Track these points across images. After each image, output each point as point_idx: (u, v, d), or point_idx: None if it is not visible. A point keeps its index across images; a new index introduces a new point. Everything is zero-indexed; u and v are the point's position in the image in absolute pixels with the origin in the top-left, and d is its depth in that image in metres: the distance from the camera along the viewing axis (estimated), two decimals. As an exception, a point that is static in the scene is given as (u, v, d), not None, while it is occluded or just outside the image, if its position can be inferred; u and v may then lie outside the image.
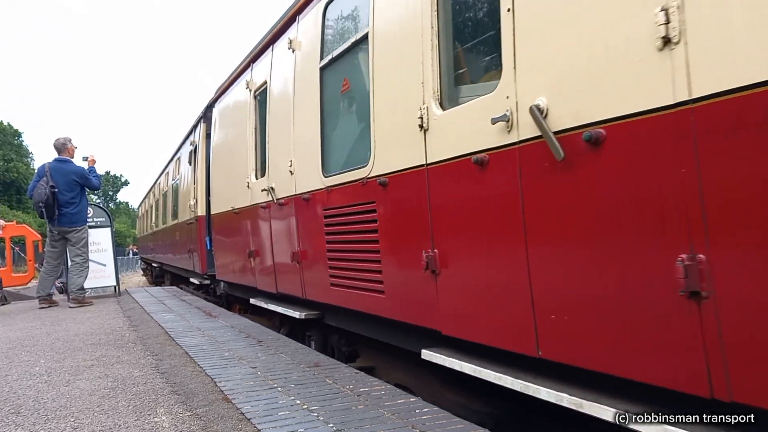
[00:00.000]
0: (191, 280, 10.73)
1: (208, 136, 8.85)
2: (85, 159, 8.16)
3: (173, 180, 13.28)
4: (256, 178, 6.02)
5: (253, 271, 6.26)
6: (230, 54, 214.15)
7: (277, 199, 5.22)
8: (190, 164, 10.12)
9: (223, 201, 7.48)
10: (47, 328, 5.92)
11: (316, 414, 2.76)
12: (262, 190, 5.56)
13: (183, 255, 11.43)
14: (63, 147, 7.73)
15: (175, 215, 12.63)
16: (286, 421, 2.67)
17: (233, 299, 8.39)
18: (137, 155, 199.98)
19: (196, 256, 9.63)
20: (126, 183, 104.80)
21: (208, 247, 8.73)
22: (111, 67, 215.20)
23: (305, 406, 2.89)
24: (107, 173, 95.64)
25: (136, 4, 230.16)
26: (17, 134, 58.94)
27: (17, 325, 6.28)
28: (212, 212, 8.20)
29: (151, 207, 19.75)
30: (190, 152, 10.19)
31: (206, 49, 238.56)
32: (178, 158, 12.41)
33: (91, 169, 8.00)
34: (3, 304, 8.90)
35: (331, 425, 2.59)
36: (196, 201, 9.36)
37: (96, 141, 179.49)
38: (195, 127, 10.08)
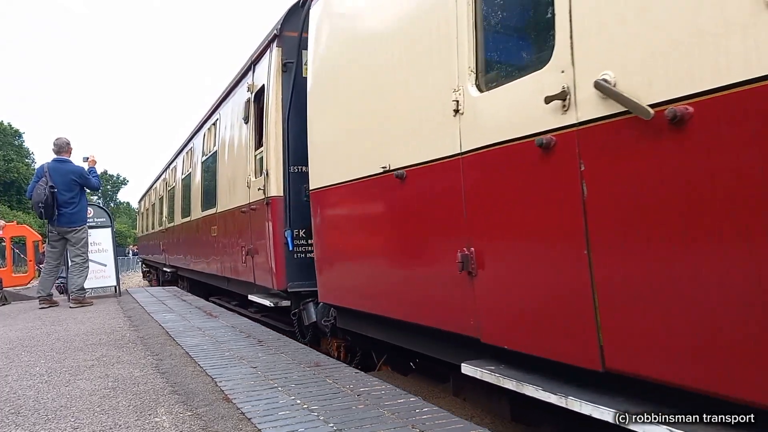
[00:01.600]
0: (252, 298, 6.47)
1: (287, 67, 5.62)
2: (86, 159, 8.18)
3: (204, 156, 9.47)
4: (482, 90, 2.80)
5: (472, 298, 2.87)
6: (230, 53, 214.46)
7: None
8: (247, 122, 6.59)
9: (353, 161, 4.04)
10: (47, 328, 5.92)
11: (316, 413, 2.76)
12: (552, 97, 2.32)
13: (227, 258, 7.66)
14: (63, 147, 7.74)
15: (209, 203, 8.89)
16: (286, 420, 2.67)
17: (346, 336, 5.00)
18: (137, 155, 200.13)
19: (263, 261, 5.96)
20: (125, 182, 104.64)
21: (290, 248, 5.43)
22: (111, 67, 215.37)
23: (305, 406, 2.89)
24: (105, 172, 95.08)
25: (136, 4, 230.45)
26: (17, 134, 58.96)
27: (17, 325, 6.29)
28: (318, 186, 4.60)
29: (160, 200, 15.89)
30: (246, 103, 6.60)
31: (206, 49, 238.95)
32: (215, 122, 8.71)
33: (92, 170, 8.01)
34: (3, 305, 8.91)
35: (331, 425, 2.59)
36: (267, 174, 5.70)
37: (96, 141, 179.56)
38: (256, 61, 6.37)
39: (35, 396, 3.26)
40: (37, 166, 10.33)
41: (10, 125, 57.76)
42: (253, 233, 6.33)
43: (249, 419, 2.70)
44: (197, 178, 10.06)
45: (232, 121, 7.43)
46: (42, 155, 74.62)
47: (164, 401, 3.06)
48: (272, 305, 5.79)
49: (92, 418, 2.80)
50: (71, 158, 7.86)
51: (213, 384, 3.41)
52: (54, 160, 7.66)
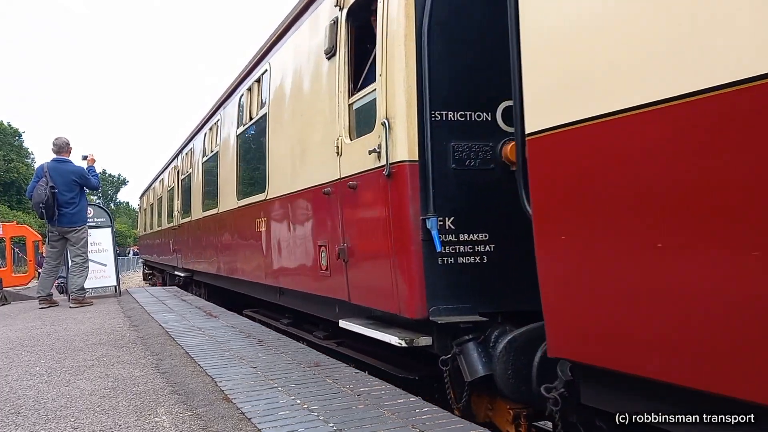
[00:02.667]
0: (349, 327, 3.89)
1: None
2: (85, 158, 8.18)
3: (241, 126, 7.07)
4: None
5: None
6: (230, 53, 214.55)
7: None
8: (332, 56, 4.34)
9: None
10: (47, 328, 5.92)
11: (316, 413, 2.76)
12: None
13: (285, 262, 5.49)
14: (63, 147, 7.74)
15: (251, 188, 6.73)
16: (286, 420, 2.67)
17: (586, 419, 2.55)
18: (137, 155, 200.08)
19: (375, 267, 3.68)
20: (125, 182, 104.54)
21: (438, 248, 3.07)
22: (111, 67, 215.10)
23: (305, 406, 2.89)
24: (104, 171, 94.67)
25: (136, 4, 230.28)
26: (17, 134, 58.98)
27: (17, 325, 6.29)
28: (565, 121, 2.10)
29: (170, 192, 13.45)
30: (333, 26, 4.28)
31: (206, 49, 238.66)
32: (259, 78, 6.32)
33: (91, 169, 8.03)
34: (3, 305, 8.92)
35: (331, 425, 2.59)
36: (388, 126, 3.35)
37: (96, 141, 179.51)
38: None
39: (35, 396, 3.26)
40: (37, 165, 10.28)
41: (10, 125, 57.77)
42: (348, 224, 4.12)
43: (249, 419, 2.70)
44: (228, 158, 7.64)
45: (298, 64, 5.17)
46: (42, 155, 74.61)
47: (164, 401, 3.06)
48: (403, 344, 3.22)
49: (92, 418, 2.80)
50: (71, 158, 7.87)
51: (213, 384, 3.41)
52: (54, 160, 7.66)
